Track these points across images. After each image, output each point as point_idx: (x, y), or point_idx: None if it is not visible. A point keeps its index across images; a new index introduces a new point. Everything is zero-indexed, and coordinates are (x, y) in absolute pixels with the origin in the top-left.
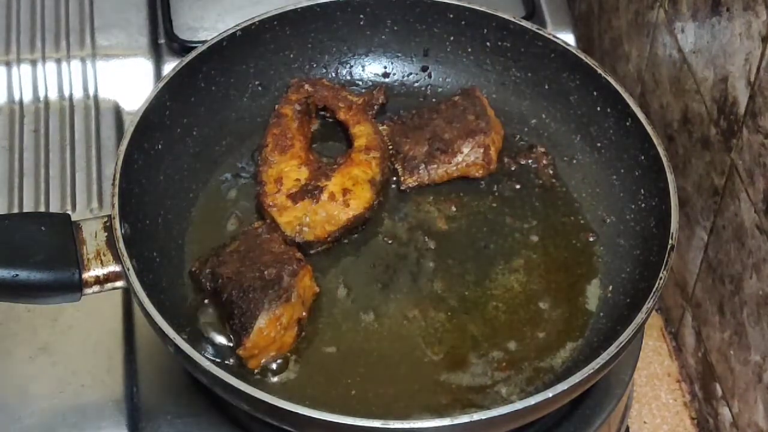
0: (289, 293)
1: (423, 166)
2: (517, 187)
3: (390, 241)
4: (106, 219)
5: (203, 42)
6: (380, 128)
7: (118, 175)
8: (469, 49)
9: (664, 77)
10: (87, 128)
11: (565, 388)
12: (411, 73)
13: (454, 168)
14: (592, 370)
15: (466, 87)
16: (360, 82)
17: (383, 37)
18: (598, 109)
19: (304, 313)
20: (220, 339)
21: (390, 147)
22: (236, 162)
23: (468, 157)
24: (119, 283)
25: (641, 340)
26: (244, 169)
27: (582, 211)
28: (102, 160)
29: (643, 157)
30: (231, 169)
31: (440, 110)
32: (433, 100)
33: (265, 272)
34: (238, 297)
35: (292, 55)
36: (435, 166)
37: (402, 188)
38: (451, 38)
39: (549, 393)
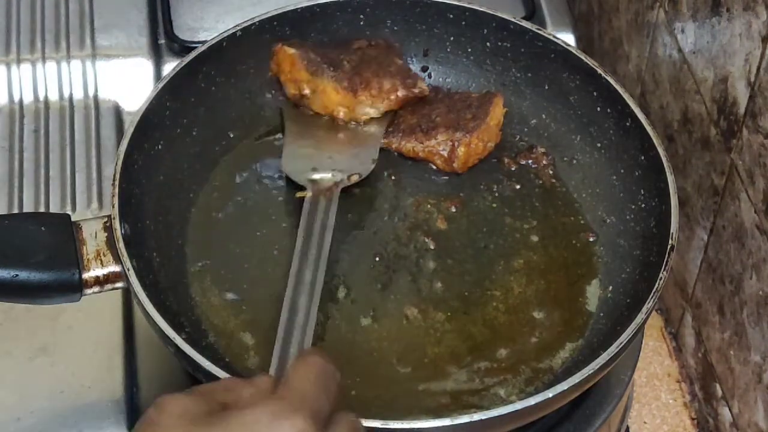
0: None
1: (401, 134)
2: (517, 187)
3: (390, 241)
4: (106, 219)
5: (203, 42)
6: None
7: (118, 175)
8: (469, 49)
9: (664, 77)
10: (87, 128)
11: (565, 388)
12: None
13: (421, 149)
14: (592, 371)
15: (493, 92)
16: None
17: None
18: (598, 109)
19: None
20: (220, 340)
21: None
22: (236, 162)
23: (438, 145)
24: (119, 284)
25: (641, 340)
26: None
27: (582, 211)
28: (102, 160)
29: (643, 157)
30: (231, 169)
31: (453, 98)
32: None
33: None
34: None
35: None
36: (409, 139)
37: None
38: (451, 38)
39: (549, 393)
